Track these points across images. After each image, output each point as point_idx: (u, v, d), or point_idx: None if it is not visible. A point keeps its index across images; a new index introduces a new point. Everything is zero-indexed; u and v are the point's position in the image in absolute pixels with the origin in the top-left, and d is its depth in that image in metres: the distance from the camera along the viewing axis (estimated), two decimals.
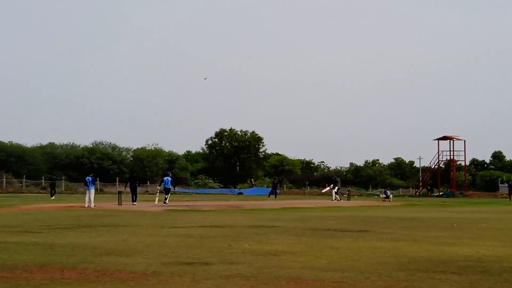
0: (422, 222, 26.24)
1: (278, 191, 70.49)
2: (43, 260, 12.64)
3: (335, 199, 56.09)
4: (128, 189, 44.08)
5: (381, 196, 68.52)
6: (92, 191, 39.04)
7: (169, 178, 43.91)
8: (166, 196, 42.68)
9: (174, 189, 50.34)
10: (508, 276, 11.05)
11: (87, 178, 40.45)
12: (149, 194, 70.85)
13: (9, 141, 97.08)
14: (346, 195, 62.59)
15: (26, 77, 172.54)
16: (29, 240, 16.80)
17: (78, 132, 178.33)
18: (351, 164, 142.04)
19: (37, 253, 13.90)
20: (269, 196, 66.73)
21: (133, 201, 41.44)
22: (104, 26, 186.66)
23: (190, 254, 13.81)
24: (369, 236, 19.05)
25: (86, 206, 37.54)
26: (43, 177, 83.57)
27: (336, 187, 57.83)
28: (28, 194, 69.03)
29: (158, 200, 43.48)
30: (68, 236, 18.38)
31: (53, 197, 57.00)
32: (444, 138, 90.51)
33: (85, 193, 41.26)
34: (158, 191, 45.98)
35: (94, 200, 38.74)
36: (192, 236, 18.50)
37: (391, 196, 63.77)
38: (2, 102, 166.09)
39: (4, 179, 79.25)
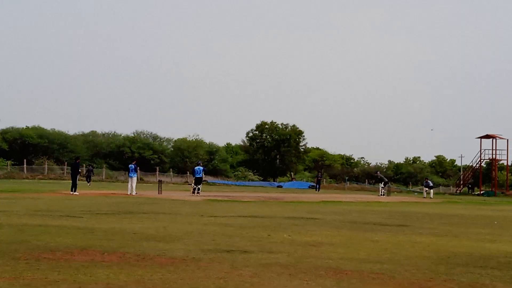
0: (462, 219, 26.06)
1: (319, 185, 70.48)
2: (84, 243, 12.76)
3: (382, 194, 56.01)
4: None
5: (423, 185, 67.57)
6: (134, 179, 39.28)
7: (201, 168, 43.49)
8: (199, 186, 42.39)
9: (204, 180, 49.37)
10: None
11: (130, 165, 40.68)
12: (188, 184, 71.03)
13: (51, 128, 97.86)
14: (385, 191, 62.31)
15: (69, 65, 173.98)
16: (71, 224, 16.98)
17: (120, 121, 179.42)
18: (390, 161, 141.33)
19: (78, 237, 14.04)
20: (316, 190, 66.89)
21: (72, 190, 37.99)
22: (147, 12, 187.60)
23: (229, 242, 13.86)
24: (408, 230, 18.96)
25: (128, 193, 37.78)
26: (84, 165, 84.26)
27: (383, 182, 57.83)
28: (70, 181, 69.56)
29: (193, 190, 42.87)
30: (109, 221, 18.54)
31: (89, 184, 57.53)
32: (487, 136, 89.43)
33: (125, 182, 41.54)
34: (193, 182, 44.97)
35: (135, 188, 38.96)
36: (231, 225, 18.56)
37: (431, 192, 62.99)
38: (45, 89, 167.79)
39: (46, 166, 79.98)
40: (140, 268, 10.02)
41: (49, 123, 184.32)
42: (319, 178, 74.21)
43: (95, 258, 10.87)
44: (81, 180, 63.76)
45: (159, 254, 11.65)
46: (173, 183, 79.22)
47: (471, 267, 11.23)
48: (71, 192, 37.20)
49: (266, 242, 14.31)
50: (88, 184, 58.12)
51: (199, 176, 42.91)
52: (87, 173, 63.72)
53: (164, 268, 10.03)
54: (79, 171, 40.36)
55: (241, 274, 9.73)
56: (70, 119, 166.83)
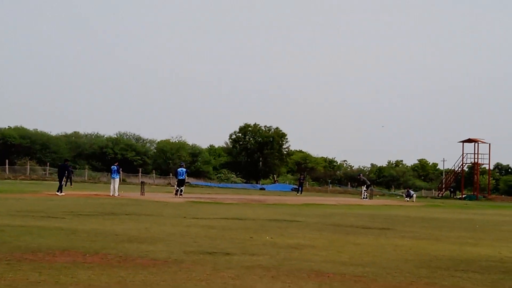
0: (444, 223, 26.17)
1: (301, 188, 70.47)
2: (66, 245, 12.73)
3: (364, 197, 56.13)
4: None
5: (403, 195, 68.13)
6: (117, 180, 39.20)
7: (183, 170, 43.38)
8: (182, 187, 42.26)
9: (187, 182, 49.31)
10: None
11: (112, 167, 40.57)
12: (171, 186, 70.87)
13: (34, 129, 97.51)
14: (367, 194, 62.44)
15: (53, 66, 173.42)
16: (53, 225, 16.92)
17: (103, 122, 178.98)
18: (372, 164, 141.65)
19: (60, 238, 14.00)
20: (298, 193, 66.92)
21: (57, 190, 37.92)
22: (130, 13, 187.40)
23: (211, 244, 13.86)
24: (391, 234, 19.02)
25: (111, 194, 37.68)
26: (69, 166, 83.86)
27: (365, 185, 57.99)
28: (52, 182, 69.33)
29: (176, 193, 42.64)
30: (91, 222, 18.49)
31: (71, 186, 57.29)
32: (469, 140, 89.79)
33: (107, 183, 41.42)
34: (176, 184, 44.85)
35: (118, 189, 38.87)
36: (214, 227, 18.57)
37: (414, 195, 63.46)
38: (27, 90, 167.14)
39: (28, 166, 79.64)
40: (122, 269, 10.00)
41: (31, 124, 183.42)
42: (302, 180, 74.23)
43: (77, 259, 10.84)
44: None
45: (141, 255, 11.63)
46: (156, 185, 79.04)
47: (453, 271, 11.27)
48: (57, 193, 37.01)
49: (249, 244, 14.32)
50: (70, 185, 57.86)
51: (181, 178, 42.74)
52: (66, 174, 63.39)
53: (146, 270, 10.01)
54: (65, 173, 40.15)
55: (224, 276, 9.73)
56: (53, 120, 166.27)
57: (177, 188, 42.36)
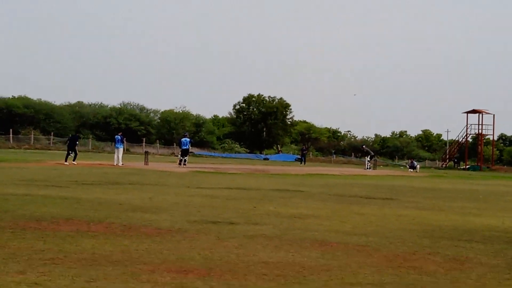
0: (448, 193, 26.18)
1: (304, 158, 70.34)
2: (70, 213, 12.75)
3: (368, 168, 56.09)
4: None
5: (407, 166, 68.12)
6: (121, 149, 39.18)
7: (187, 140, 43.30)
8: (185, 157, 42.21)
9: (191, 152, 49.18)
10: None
11: (116, 136, 40.60)
12: (175, 156, 70.87)
13: (37, 98, 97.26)
14: (371, 165, 62.45)
15: (55, 36, 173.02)
16: (56, 194, 16.94)
17: (106, 92, 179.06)
18: (377, 135, 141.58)
19: (64, 207, 14.02)
20: (302, 163, 66.73)
21: (66, 160, 38.26)
22: None
23: (215, 214, 13.88)
24: (394, 204, 19.04)
25: (115, 164, 37.69)
26: (70, 135, 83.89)
27: (369, 155, 57.93)
28: (56, 151, 69.39)
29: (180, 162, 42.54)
30: (95, 192, 18.53)
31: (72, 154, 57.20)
32: (473, 111, 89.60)
33: (111, 153, 41.46)
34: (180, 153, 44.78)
35: (122, 159, 38.88)
36: (217, 196, 18.59)
37: (418, 166, 63.39)
38: (32, 60, 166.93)
39: (32, 136, 79.61)
40: (126, 238, 10.02)
41: (35, 93, 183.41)
42: (305, 151, 74.17)
43: (80, 228, 10.86)
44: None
45: (145, 224, 11.66)
46: (160, 155, 79.13)
47: (456, 241, 11.28)
48: (65, 162, 37.38)
49: (252, 214, 14.34)
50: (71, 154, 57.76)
51: (185, 147, 42.72)
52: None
53: (150, 239, 10.04)
54: (75, 144, 40.39)
55: (227, 245, 9.75)
56: (57, 89, 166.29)
57: (181, 158, 42.38)
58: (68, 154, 38.68)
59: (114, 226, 11.30)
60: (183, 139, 43.41)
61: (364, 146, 64.33)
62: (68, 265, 7.79)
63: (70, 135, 45.51)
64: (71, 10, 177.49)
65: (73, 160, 38.04)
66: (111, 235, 10.24)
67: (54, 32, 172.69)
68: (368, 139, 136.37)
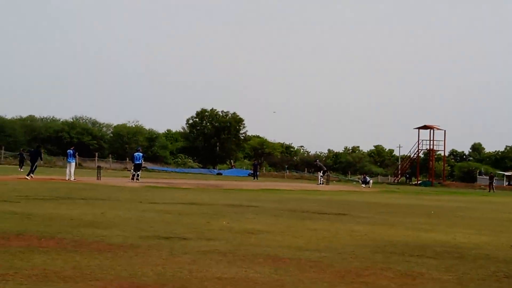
0: (399, 208, 26.38)
1: (257, 173, 70.32)
2: (20, 229, 12.61)
3: (321, 183, 56.18)
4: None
5: (360, 181, 68.49)
6: (73, 164, 38.93)
7: (140, 154, 43.16)
8: (138, 172, 42.05)
9: (144, 166, 49.22)
10: (483, 262, 11.12)
11: (68, 151, 40.36)
12: (127, 170, 70.55)
13: None
14: (324, 180, 62.63)
15: (7, 49, 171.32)
16: (7, 209, 16.75)
17: (58, 106, 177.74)
18: (330, 150, 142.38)
19: (15, 222, 13.87)
20: (254, 178, 66.60)
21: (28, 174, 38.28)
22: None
23: (168, 229, 13.82)
24: (346, 219, 19.12)
25: (67, 179, 37.41)
26: (21, 149, 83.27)
27: (322, 171, 58.05)
28: (7, 166, 68.69)
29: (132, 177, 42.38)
30: (46, 207, 18.36)
31: (21, 169, 56.73)
32: (425, 127, 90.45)
33: (63, 167, 41.21)
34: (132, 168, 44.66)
35: (74, 173, 38.60)
36: (170, 212, 18.53)
37: (371, 181, 63.69)
38: None
39: None
40: (78, 254, 9.94)
41: None
42: (257, 166, 74.22)
43: (32, 244, 10.75)
44: (25, 165, 63.04)
45: (97, 240, 11.57)
46: (113, 169, 78.62)
47: (408, 256, 11.36)
48: (27, 177, 37.26)
49: (205, 229, 14.31)
50: (20, 169, 57.31)
51: (138, 162, 42.55)
52: (19, 158, 62.96)
53: (102, 255, 9.96)
54: (37, 158, 40.73)
55: (180, 261, 9.71)
56: (8, 103, 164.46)
57: (134, 172, 42.19)
58: (32, 168, 39.08)
59: (66, 241, 11.20)
60: (136, 154, 43.22)
61: (317, 161, 64.48)
62: (19, 281, 7.71)
63: (32, 149, 45.55)
64: (23, 21, 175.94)
65: (27, 175, 37.89)
66: (63, 251, 10.15)
67: (3, 43, 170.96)
68: (321, 154, 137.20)
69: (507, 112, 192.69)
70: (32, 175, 37.96)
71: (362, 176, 68.23)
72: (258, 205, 23.64)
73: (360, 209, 24.27)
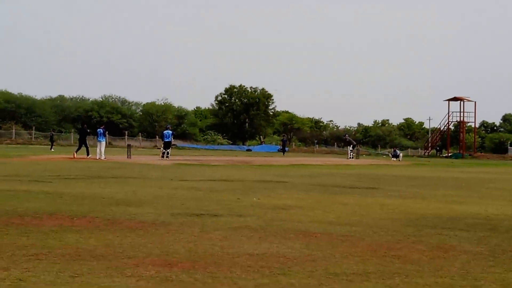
0: (430, 181, 26.26)
1: (286, 148, 70.32)
2: (53, 208, 12.70)
3: (350, 157, 56.05)
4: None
5: (390, 155, 68.27)
6: (103, 143, 39.15)
7: (170, 132, 43.20)
8: (168, 150, 42.17)
9: (173, 144, 49.59)
10: None
11: (98, 130, 40.56)
12: (157, 148, 70.80)
13: (18, 93, 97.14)
14: (354, 154, 62.56)
15: (37, 30, 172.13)
16: (39, 189, 16.87)
17: (88, 85, 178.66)
18: (359, 124, 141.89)
19: (47, 201, 13.96)
20: (283, 153, 66.63)
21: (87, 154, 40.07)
22: None
23: (199, 206, 13.84)
24: (377, 193, 19.07)
25: (97, 158, 37.62)
26: (52, 129, 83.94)
27: (351, 145, 57.89)
28: (37, 146, 69.19)
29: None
30: (78, 186, 18.47)
31: (52, 149, 57.09)
32: (455, 99, 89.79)
33: (93, 146, 41.41)
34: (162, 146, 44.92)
35: (104, 152, 38.80)
36: (201, 189, 18.56)
37: (401, 155, 63.52)
38: (13, 54, 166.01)
39: (14, 130, 79.38)
40: (110, 232, 9.99)
41: (16, 88, 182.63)
42: (285, 141, 74.15)
43: (64, 223, 10.82)
44: (55, 145, 63.34)
45: (128, 218, 11.62)
46: (142, 148, 79.01)
47: (439, 229, 11.31)
48: (88, 156, 39.36)
49: (236, 205, 14.33)
50: (51, 149, 57.71)
51: (168, 140, 42.62)
52: (50, 139, 63.40)
53: (134, 232, 10.01)
54: (86, 135, 42.25)
55: (211, 237, 9.73)
56: (38, 83, 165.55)
57: (164, 150, 42.30)
58: (80, 148, 41.06)
59: (98, 220, 11.26)
60: (165, 132, 43.31)
61: (346, 136, 64.33)
62: (52, 261, 7.76)
63: (79, 128, 46.35)
64: (53, 5, 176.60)
65: (76, 151, 40.12)
66: (95, 230, 10.21)
67: (33, 25, 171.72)
68: (351, 129, 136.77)
69: None
70: (74, 152, 39.90)
71: (392, 150, 68.08)
72: (288, 180, 23.63)
73: (390, 183, 24.20)
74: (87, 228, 10.31)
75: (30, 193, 15.70)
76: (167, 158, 40.46)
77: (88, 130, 43.52)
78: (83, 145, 40.81)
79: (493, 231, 11.31)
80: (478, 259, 8.63)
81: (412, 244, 9.62)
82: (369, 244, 9.56)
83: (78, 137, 42.13)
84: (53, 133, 65.84)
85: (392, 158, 62.26)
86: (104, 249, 8.55)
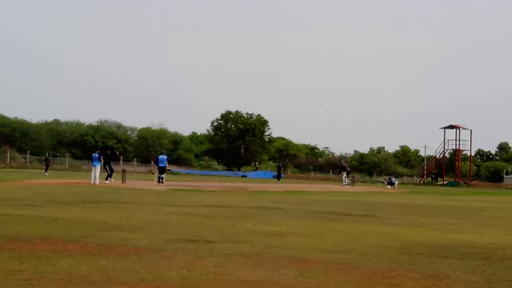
0: (425, 209, 26.23)
1: (282, 175, 70.32)
2: (46, 233, 12.66)
3: (346, 184, 56.05)
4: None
5: (385, 182, 68.24)
6: (98, 168, 39.13)
7: (165, 157, 43.33)
8: (163, 175, 42.23)
9: (168, 169, 49.93)
10: (510, 263, 11.02)
11: (93, 154, 40.58)
12: (152, 173, 70.76)
13: (14, 117, 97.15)
14: (349, 181, 62.54)
15: (32, 53, 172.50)
16: (33, 214, 16.82)
17: (83, 109, 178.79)
18: (356, 151, 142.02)
19: (41, 226, 13.92)
20: (278, 180, 66.61)
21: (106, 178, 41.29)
22: (109, 1, 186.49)
23: (193, 232, 13.81)
24: (372, 220, 19.04)
25: (92, 182, 37.60)
26: (47, 154, 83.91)
27: (345, 171, 57.96)
28: (32, 170, 69.12)
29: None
30: (72, 211, 18.43)
31: (47, 173, 57.05)
32: (451, 127, 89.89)
33: (88, 171, 41.50)
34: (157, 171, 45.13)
35: (99, 177, 38.79)
36: (195, 215, 18.52)
37: (396, 182, 63.49)
38: (8, 77, 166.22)
39: (8, 154, 79.32)
40: (103, 257, 9.95)
41: (11, 111, 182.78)
42: (280, 167, 74.20)
43: (57, 248, 10.78)
44: (49, 169, 63.23)
45: (122, 243, 11.58)
46: (137, 172, 78.92)
47: (434, 257, 11.28)
48: (107, 181, 40.00)
49: (230, 232, 14.30)
50: (45, 173, 57.71)
51: (162, 165, 42.76)
52: (45, 162, 63.43)
53: (127, 258, 9.97)
54: (111, 159, 43.13)
55: (205, 264, 9.70)
56: (33, 107, 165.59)
57: (159, 175, 42.35)
58: (109, 172, 41.55)
59: (91, 245, 11.22)
60: (160, 157, 43.55)
61: (342, 161, 64.45)
62: (45, 286, 7.74)
63: (105, 153, 45.96)
64: (46, 26, 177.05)
65: (105, 179, 40.43)
66: (88, 255, 10.17)
67: (29, 48, 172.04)
68: (346, 155, 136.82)
69: None
70: (104, 181, 40.11)
71: (388, 177, 68.01)
72: (283, 207, 23.59)
73: (385, 210, 24.16)
74: (80, 253, 10.27)
75: (24, 218, 15.66)
76: (162, 183, 40.45)
77: (115, 153, 44.38)
78: (107, 168, 41.85)
79: (488, 260, 11.28)
80: None
81: (407, 273, 9.59)
82: (363, 272, 9.53)
83: (103, 162, 42.20)
84: (48, 157, 65.79)
85: (388, 186, 62.24)
86: (97, 275, 8.51)
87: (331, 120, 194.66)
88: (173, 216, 17.85)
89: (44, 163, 64.01)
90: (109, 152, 44.42)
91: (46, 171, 59.40)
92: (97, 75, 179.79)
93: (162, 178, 41.69)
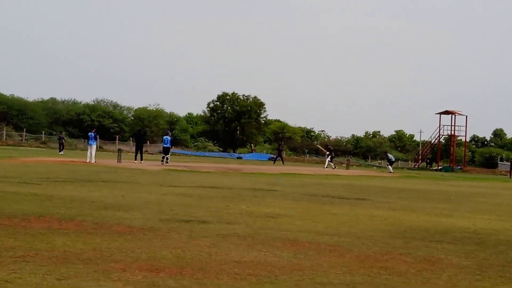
0: (420, 194, 26.27)
1: (278, 157, 70.11)
2: (41, 211, 12.69)
3: (327, 167, 56.37)
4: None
5: (386, 161, 67.72)
6: (94, 147, 39.06)
7: (169, 138, 43.31)
8: (167, 155, 42.21)
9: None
10: (503, 248, 11.09)
11: (89, 133, 40.55)
12: (148, 154, 70.71)
13: (10, 94, 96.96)
14: (345, 165, 62.55)
15: (30, 32, 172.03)
16: (28, 191, 16.84)
17: (80, 88, 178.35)
18: (353, 135, 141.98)
19: (36, 204, 13.94)
20: (276, 162, 66.47)
21: (136, 159, 42.24)
22: None
23: (187, 212, 13.85)
24: (366, 204, 19.09)
25: (87, 161, 37.54)
26: (43, 132, 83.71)
27: (330, 156, 58.36)
28: (28, 148, 68.99)
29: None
30: (67, 189, 18.44)
31: (62, 152, 56.50)
32: (446, 112, 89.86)
33: (84, 150, 41.47)
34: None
35: (95, 156, 38.72)
36: (190, 195, 18.55)
37: (391, 165, 63.02)
38: (5, 55, 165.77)
39: (5, 132, 79.17)
40: (98, 236, 9.99)
41: (8, 89, 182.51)
42: (281, 149, 74.07)
43: (52, 226, 10.81)
44: (45, 148, 63.15)
45: (117, 222, 11.62)
46: (133, 152, 78.75)
47: (427, 241, 11.33)
48: (135, 161, 41.26)
49: (225, 213, 14.33)
50: (60, 152, 57.09)
51: (166, 145, 42.74)
52: (59, 141, 62.51)
53: (121, 237, 10.01)
54: (143, 142, 43.74)
55: (199, 244, 9.73)
56: (30, 85, 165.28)
57: (163, 155, 42.53)
58: (141, 154, 42.80)
59: (86, 224, 11.25)
60: (164, 137, 43.61)
61: (328, 146, 64.75)
62: (39, 263, 7.76)
63: (136, 133, 46.46)
64: (50, 7, 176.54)
65: (140, 160, 42.07)
66: (83, 233, 10.20)
67: (27, 26, 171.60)
68: (342, 139, 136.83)
69: None
70: (141, 161, 41.54)
71: (384, 154, 67.47)
72: (278, 189, 23.64)
73: (380, 194, 24.21)
74: (75, 231, 10.30)
75: (19, 195, 15.68)
76: (167, 164, 40.50)
77: (146, 136, 44.78)
78: (139, 151, 42.80)
79: (481, 245, 11.33)
80: (465, 273, 8.65)
81: (400, 256, 9.64)
82: (356, 255, 9.58)
83: (135, 143, 42.63)
84: (61, 135, 64.41)
85: (389, 166, 62.02)
86: (91, 253, 8.54)
87: (327, 104, 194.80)
88: (168, 196, 17.89)
89: (58, 141, 62.71)
90: (142, 133, 44.74)
91: (61, 151, 58.39)
92: (94, 54, 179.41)
93: (167, 158, 41.75)
